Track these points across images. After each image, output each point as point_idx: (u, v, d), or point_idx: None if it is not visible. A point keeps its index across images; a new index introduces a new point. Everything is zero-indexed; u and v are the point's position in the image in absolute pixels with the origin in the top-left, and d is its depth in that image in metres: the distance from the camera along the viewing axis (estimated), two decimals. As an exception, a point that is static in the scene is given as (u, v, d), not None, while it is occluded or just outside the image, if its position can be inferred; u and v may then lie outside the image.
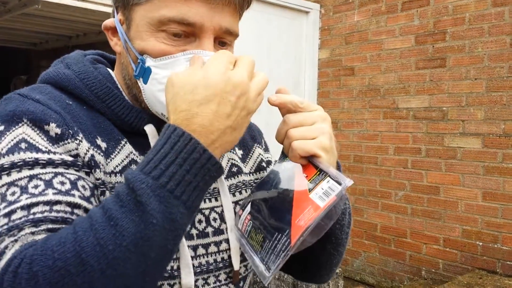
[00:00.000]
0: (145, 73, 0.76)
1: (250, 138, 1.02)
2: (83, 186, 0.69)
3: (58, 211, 0.64)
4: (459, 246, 3.71)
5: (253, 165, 0.99)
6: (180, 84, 0.64)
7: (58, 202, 0.64)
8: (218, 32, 0.78)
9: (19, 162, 0.67)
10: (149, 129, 0.81)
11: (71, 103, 0.77)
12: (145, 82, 0.77)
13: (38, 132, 0.70)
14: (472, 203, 3.64)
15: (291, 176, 0.82)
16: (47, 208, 0.64)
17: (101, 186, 0.73)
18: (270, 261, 0.76)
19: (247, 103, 0.65)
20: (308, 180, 0.79)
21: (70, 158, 0.70)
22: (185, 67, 0.74)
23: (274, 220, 0.79)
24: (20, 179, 0.66)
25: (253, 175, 0.99)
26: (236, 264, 0.88)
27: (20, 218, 0.62)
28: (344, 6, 4.49)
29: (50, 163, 0.68)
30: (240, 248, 0.88)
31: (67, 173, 0.68)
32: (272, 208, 0.81)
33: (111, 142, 0.78)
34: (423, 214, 3.92)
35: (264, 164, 1.01)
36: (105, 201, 0.60)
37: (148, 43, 0.76)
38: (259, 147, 1.02)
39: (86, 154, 0.72)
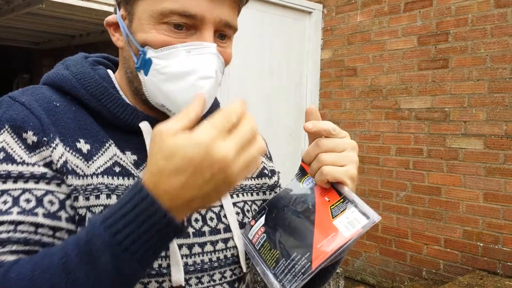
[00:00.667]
0: (146, 64, 0.78)
1: None
2: (50, 201, 0.72)
3: (22, 231, 0.67)
4: (460, 247, 3.71)
5: (255, 171, 1.00)
6: (160, 144, 0.60)
7: (21, 222, 0.68)
8: (218, 24, 0.80)
9: None
10: (144, 126, 0.83)
11: (58, 105, 0.79)
12: (146, 73, 0.79)
13: (16, 140, 0.73)
14: (474, 204, 3.64)
15: (311, 197, 0.82)
16: (12, 228, 0.67)
17: (74, 192, 0.74)
18: (286, 280, 0.76)
19: (226, 179, 0.59)
20: (331, 206, 0.79)
21: (41, 171, 0.72)
22: (184, 59, 0.77)
23: (293, 240, 0.78)
24: (1, 191, 0.70)
25: (254, 180, 1.00)
26: (244, 265, 0.89)
27: None
28: (347, 7, 4.50)
29: (20, 176, 0.71)
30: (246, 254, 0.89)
31: (35, 188, 0.71)
32: (290, 227, 0.80)
33: (95, 144, 0.79)
34: (424, 215, 3.93)
35: (266, 171, 1.03)
36: (66, 243, 0.63)
37: (150, 35, 0.78)
38: (262, 155, 1.01)
39: (58, 160, 0.74)
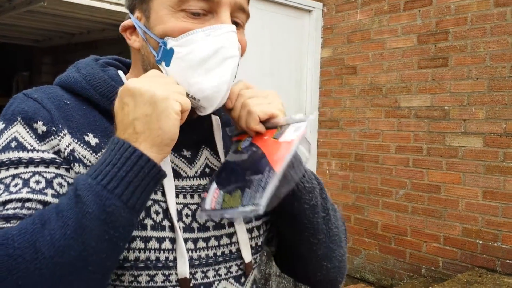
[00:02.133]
0: (167, 55, 0.80)
1: None
2: (59, 184, 0.76)
3: (28, 208, 0.71)
4: (459, 245, 3.73)
5: None
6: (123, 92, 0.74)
7: (29, 200, 0.72)
8: (233, 7, 0.82)
9: (7, 161, 0.75)
10: None
11: (69, 103, 0.83)
12: (168, 64, 0.80)
13: (28, 130, 0.77)
14: (473, 201, 3.66)
15: (253, 145, 0.83)
16: (19, 205, 0.71)
17: None
18: (256, 199, 0.74)
19: (147, 103, 0.71)
20: (272, 137, 0.80)
21: (50, 156, 0.77)
22: (205, 41, 0.79)
23: (250, 173, 0.78)
24: (6, 177, 0.74)
25: None
26: (248, 257, 0.90)
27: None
28: (347, 5, 4.51)
29: (31, 162, 0.75)
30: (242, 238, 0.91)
31: (45, 172, 0.75)
32: (244, 167, 0.81)
33: (104, 138, 0.82)
34: (424, 213, 3.94)
35: None
36: (60, 198, 0.70)
37: (169, 24, 0.80)
38: None
39: (65, 149, 0.78)
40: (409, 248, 4.05)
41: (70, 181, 0.77)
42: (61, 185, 0.76)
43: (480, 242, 3.62)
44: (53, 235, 0.64)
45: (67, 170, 0.77)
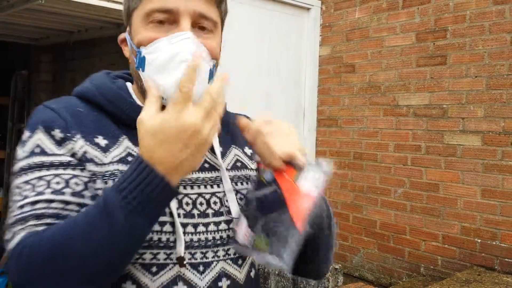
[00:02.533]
0: (142, 62, 0.93)
1: None
2: (75, 183, 0.89)
3: (54, 208, 0.85)
4: (458, 243, 3.73)
5: None
6: (145, 128, 0.80)
7: (53, 201, 0.86)
8: (194, 16, 0.94)
9: (33, 164, 0.89)
10: None
11: (82, 110, 0.97)
12: (143, 70, 0.93)
13: (47, 136, 0.91)
14: (471, 200, 3.66)
15: (276, 184, 0.92)
16: (46, 205, 0.85)
17: (93, 176, 0.91)
18: (281, 252, 0.85)
19: (201, 140, 0.80)
20: (293, 180, 0.90)
21: (67, 159, 0.90)
22: (166, 48, 0.90)
23: (273, 217, 0.89)
24: (32, 179, 0.88)
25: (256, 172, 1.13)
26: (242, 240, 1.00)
27: (27, 212, 0.84)
28: (345, 3, 4.50)
29: (52, 165, 0.89)
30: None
31: (64, 174, 0.89)
32: (268, 205, 0.92)
33: (111, 139, 0.95)
34: (422, 211, 3.94)
35: None
36: (88, 208, 0.81)
37: (141, 35, 0.94)
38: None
39: (79, 151, 0.91)
40: (408, 247, 4.04)
41: (85, 180, 0.90)
42: (77, 184, 0.89)
43: (479, 240, 3.62)
44: (83, 244, 0.77)
45: (82, 170, 0.90)
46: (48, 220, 0.83)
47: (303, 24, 4.67)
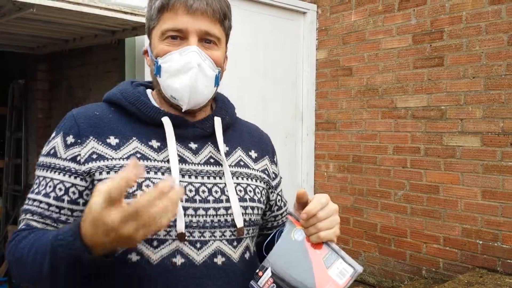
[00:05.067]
0: (159, 70, 1.15)
1: (266, 150, 1.35)
2: (73, 192, 1.10)
3: (51, 211, 1.09)
4: (459, 245, 3.70)
5: (261, 167, 1.30)
6: (88, 205, 0.89)
7: (51, 205, 1.09)
8: (200, 33, 1.15)
9: (46, 163, 1.13)
10: (165, 120, 1.15)
11: (98, 114, 1.16)
12: (160, 76, 1.15)
13: (62, 141, 1.13)
14: (472, 201, 3.63)
15: (305, 250, 1.05)
16: (46, 207, 1.09)
17: (99, 169, 1.09)
18: None
19: (122, 236, 0.86)
20: (323, 258, 1.04)
21: (71, 166, 1.10)
22: (177, 58, 1.13)
23: (298, 284, 1.02)
24: (45, 177, 1.12)
25: (259, 172, 1.28)
26: (240, 223, 1.16)
27: (31, 206, 1.11)
28: (341, 6, 4.49)
29: (58, 168, 1.11)
30: (242, 215, 1.17)
31: (66, 181, 1.10)
32: (294, 279, 1.03)
33: (122, 139, 1.13)
34: (423, 214, 3.91)
35: (267, 172, 1.33)
36: (49, 239, 0.97)
37: (158, 48, 1.16)
38: (268, 159, 1.34)
39: (87, 152, 1.10)
40: (409, 250, 4.01)
41: (80, 189, 1.10)
42: (74, 192, 1.10)
43: (480, 242, 3.59)
44: (33, 269, 0.99)
45: (82, 179, 1.10)
46: (41, 220, 1.08)
47: (300, 28, 4.66)
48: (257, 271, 1.08)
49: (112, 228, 0.84)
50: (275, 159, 1.38)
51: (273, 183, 1.34)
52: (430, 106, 3.86)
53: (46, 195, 1.09)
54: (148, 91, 1.25)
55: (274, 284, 1.04)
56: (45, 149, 1.15)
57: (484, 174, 3.57)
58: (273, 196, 1.35)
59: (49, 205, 1.08)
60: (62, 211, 1.09)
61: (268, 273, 1.06)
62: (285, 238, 1.08)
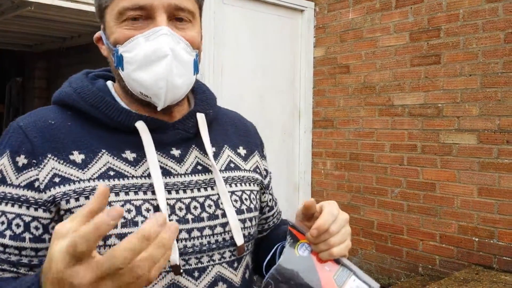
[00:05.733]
0: (120, 61, 0.90)
1: (254, 143, 1.16)
2: (35, 227, 0.85)
3: (9, 254, 0.84)
4: (456, 242, 3.72)
5: (252, 166, 1.11)
6: (51, 246, 0.64)
7: (8, 246, 0.84)
8: (169, 9, 0.90)
9: None
10: (139, 125, 0.93)
11: (53, 123, 0.91)
12: (122, 69, 0.90)
13: (11, 163, 0.87)
14: (468, 199, 3.65)
15: (312, 267, 0.91)
16: (1, 248, 0.83)
17: (65, 196, 0.86)
18: None
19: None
20: (333, 276, 0.90)
21: (25, 194, 0.85)
22: (144, 45, 0.88)
23: None
24: None
25: (250, 172, 1.10)
26: (240, 241, 0.99)
27: None
28: (339, 4, 4.49)
29: (11, 198, 0.85)
30: (242, 230, 1.00)
31: (25, 214, 0.85)
32: (298, 283, 0.89)
33: (89, 154, 0.90)
34: (419, 211, 3.93)
35: (259, 170, 1.14)
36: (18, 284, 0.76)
37: (116, 34, 0.90)
38: (258, 154, 1.15)
39: (46, 176, 0.86)
40: (405, 247, 4.03)
41: (44, 222, 0.86)
42: (37, 228, 0.85)
43: (476, 239, 3.61)
44: None
45: (44, 210, 0.85)
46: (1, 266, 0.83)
47: (297, 26, 4.66)
48: (262, 286, 0.94)
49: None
50: (264, 153, 1.19)
51: (265, 182, 1.16)
52: (427, 103, 3.87)
53: (17, 237, 0.84)
54: (109, 84, 1.01)
55: None
56: None
57: (480, 171, 3.59)
58: (265, 197, 1.16)
59: (5, 246, 0.84)
60: (23, 252, 0.85)
61: None
62: (288, 254, 0.93)
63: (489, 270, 3.46)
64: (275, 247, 1.05)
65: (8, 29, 3.52)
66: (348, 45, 4.43)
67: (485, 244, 3.56)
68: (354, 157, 4.39)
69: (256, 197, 1.09)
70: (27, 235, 0.85)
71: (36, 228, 0.85)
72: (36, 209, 0.86)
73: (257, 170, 1.12)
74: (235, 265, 1.00)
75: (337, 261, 0.92)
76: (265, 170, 1.16)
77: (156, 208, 0.89)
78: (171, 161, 0.95)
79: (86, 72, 1.04)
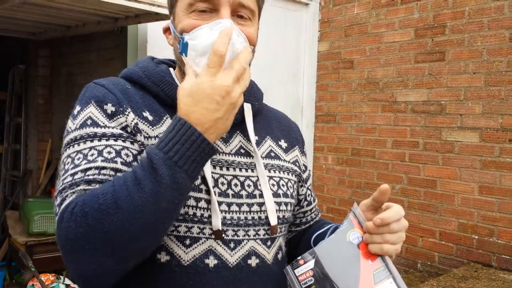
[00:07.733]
0: (185, 47, 0.99)
1: (296, 139, 1.26)
2: (126, 154, 0.93)
3: (104, 174, 0.89)
4: (455, 239, 3.73)
5: (291, 158, 1.20)
6: (182, 92, 0.88)
7: (104, 168, 0.89)
8: (233, 4, 1.00)
9: (85, 135, 0.93)
10: None
11: (129, 88, 1.03)
12: (186, 55, 0.99)
13: (99, 110, 0.96)
14: (469, 196, 3.66)
15: (357, 256, 0.96)
16: (97, 172, 0.88)
17: (141, 146, 0.96)
18: None
19: (232, 99, 0.87)
20: (373, 271, 0.95)
21: (118, 132, 0.95)
22: (207, 35, 0.96)
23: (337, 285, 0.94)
24: (84, 149, 0.92)
25: (290, 164, 1.19)
26: (274, 220, 1.07)
27: (79, 178, 0.88)
28: (344, -1, 4.48)
29: (103, 136, 0.93)
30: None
31: (115, 144, 0.93)
32: (338, 282, 0.95)
33: (156, 117, 1.01)
34: (420, 207, 3.94)
35: (298, 164, 1.23)
36: (134, 166, 0.85)
37: (184, 22, 1.00)
38: (298, 149, 1.25)
39: (131, 122, 0.97)
40: (405, 243, 4.02)
41: (134, 152, 0.94)
42: (127, 155, 0.93)
43: (476, 237, 3.62)
44: (132, 196, 0.80)
45: (132, 143, 0.95)
46: (98, 186, 0.87)
47: (302, 19, 4.65)
48: (299, 258, 0.99)
49: (227, 91, 0.85)
50: (304, 150, 1.29)
51: (304, 176, 1.23)
52: (430, 100, 3.87)
53: (109, 160, 0.90)
54: (171, 70, 1.11)
55: (313, 278, 0.96)
56: (74, 123, 0.96)
57: (481, 169, 3.59)
58: (302, 190, 1.24)
59: (100, 168, 0.89)
60: (118, 174, 0.91)
61: (310, 264, 0.97)
62: (339, 236, 0.99)
63: (488, 268, 3.48)
64: (329, 225, 1.18)
65: (13, 16, 3.51)
66: (352, 40, 4.42)
67: (484, 242, 3.57)
68: (355, 153, 4.39)
69: (293, 186, 1.16)
70: (118, 159, 0.92)
71: (127, 155, 0.93)
72: (124, 142, 0.95)
73: (297, 163, 1.21)
74: (268, 243, 1.07)
75: (381, 260, 0.96)
76: (304, 165, 1.25)
77: (203, 179, 0.98)
78: (219, 141, 1.05)
79: (151, 57, 1.15)
